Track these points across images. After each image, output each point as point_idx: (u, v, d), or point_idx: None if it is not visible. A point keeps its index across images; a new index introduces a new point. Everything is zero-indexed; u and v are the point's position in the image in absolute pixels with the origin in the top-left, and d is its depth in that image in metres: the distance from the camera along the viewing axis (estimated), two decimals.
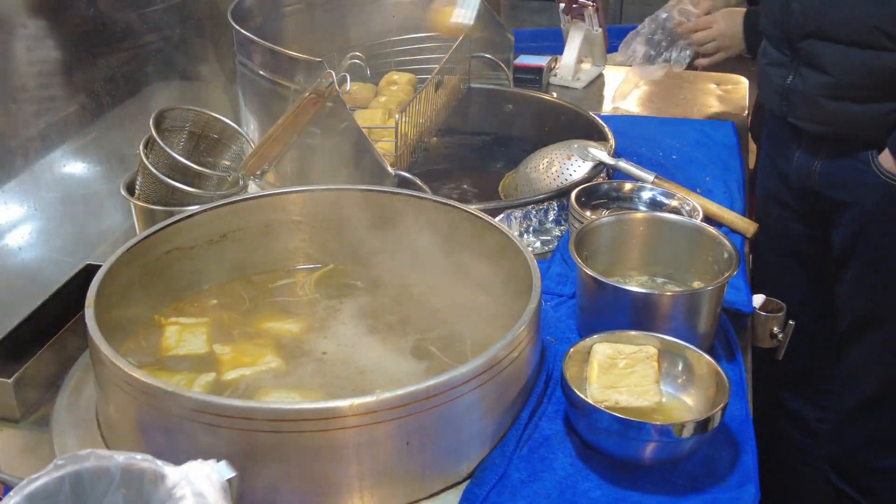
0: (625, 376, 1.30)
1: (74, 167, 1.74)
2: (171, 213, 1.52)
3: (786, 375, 2.26)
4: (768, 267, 2.31)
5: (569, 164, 1.90)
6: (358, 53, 1.59)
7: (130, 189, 1.67)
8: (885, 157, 1.81)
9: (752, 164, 2.91)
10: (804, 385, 2.34)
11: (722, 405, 1.20)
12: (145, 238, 1.40)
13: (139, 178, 1.65)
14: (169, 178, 1.60)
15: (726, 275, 1.41)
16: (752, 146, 2.97)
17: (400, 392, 1.09)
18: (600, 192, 1.80)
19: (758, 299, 1.58)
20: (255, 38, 1.76)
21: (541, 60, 2.51)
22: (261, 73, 1.78)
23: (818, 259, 2.09)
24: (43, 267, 1.65)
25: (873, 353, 2.05)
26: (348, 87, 1.53)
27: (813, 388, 2.31)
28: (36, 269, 1.64)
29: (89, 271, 1.51)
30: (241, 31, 1.81)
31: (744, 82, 2.57)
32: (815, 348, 2.20)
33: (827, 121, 1.87)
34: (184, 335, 1.41)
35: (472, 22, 2.24)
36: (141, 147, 1.62)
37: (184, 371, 1.34)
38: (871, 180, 1.84)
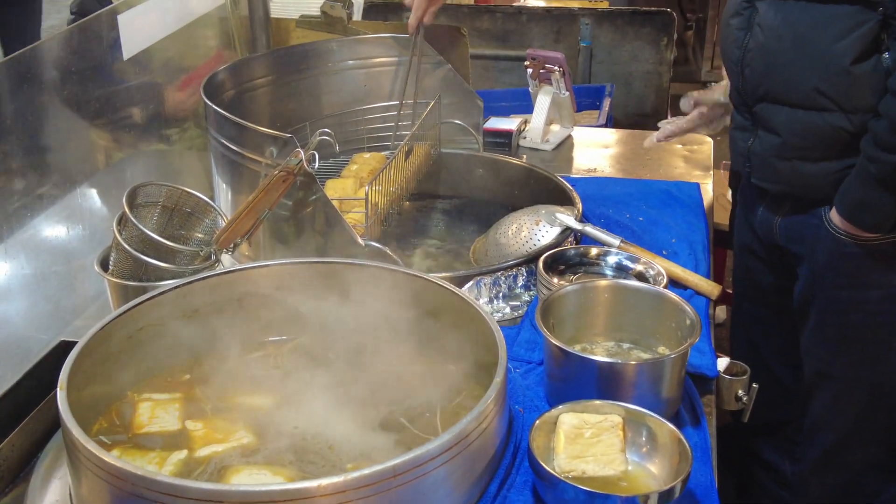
0: (591, 446, 1.33)
1: (49, 243, 1.76)
2: (145, 289, 1.55)
3: (761, 426, 2.30)
4: (743, 317, 2.36)
5: (537, 230, 1.94)
6: (327, 130, 1.63)
7: (104, 264, 1.69)
8: (834, 214, 1.87)
9: (727, 219, 2.97)
10: (779, 436, 2.37)
11: (683, 476, 1.22)
12: (118, 317, 1.42)
13: (113, 254, 1.68)
14: (142, 253, 1.63)
15: (688, 342, 1.45)
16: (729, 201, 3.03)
17: (367, 471, 1.11)
18: (567, 257, 1.84)
19: (722, 363, 1.61)
20: (226, 113, 1.79)
21: (510, 124, 2.56)
22: (232, 147, 1.81)
23: (788, 309, 2.14)
24: (17, 344, 1.67)
25: (828, 407, 2.10)
26: (316, 165, 1.56)
27: (788, 439, 2.35)
28: (10, 347, 1.65)
29: (63, 348, 1.53)
30: (212, 105, 1.84)
31: (708, 142, 2.63)
32: (789, 398, 2.24)
33: (781, 180, 1.94)
34: (156, 412, 1.43)
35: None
36: (114, 223, 1.65)
37: (156, 449, 1.35)
38: (823, 235, 1.91)
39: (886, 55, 1.74)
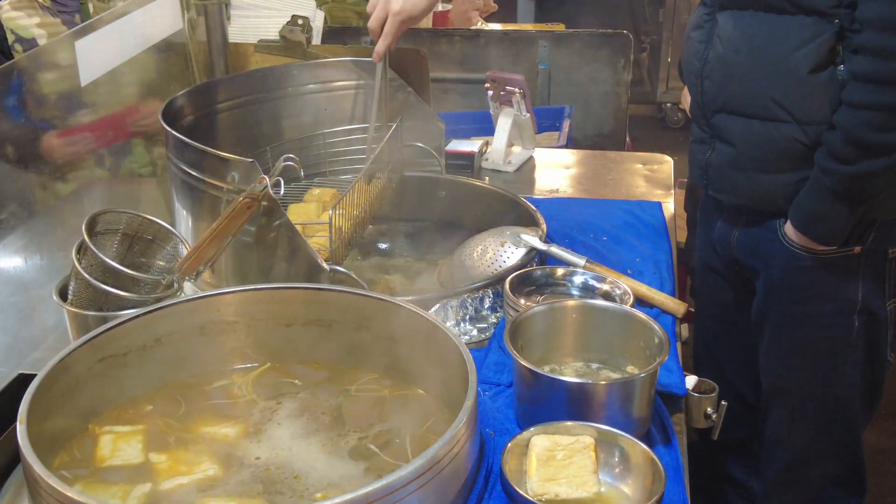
0: (563, 468, 1.32)
1: (5, 273, 1.72)
2: (105, 319, 1.51)
3: (728, 443, 2.31)
4: (706, 334, 2.37)
5: (502, 251, 1.93)
6: (292, 156, 1.61)
7: (63, 294, 1.65)
8: (788, 227, 1.89)
9: (682, 239, 3.00)
10: (745, 452, 2.38)
11: (657, 496, 1.22)
12: (77, 348, 1.39)
13: (72, 283, 1.64)
14: (102, 282, 1.60)
15: (657, 361, 1.44)
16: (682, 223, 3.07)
17: (338, 500, 1.09)
18: (533, 278, 1.83)
19: (690, 381, 1.61)
20: (186, 139, 1.77)
21: (472, 146, 2.56)
22: (192, 173, 1.79)
23: (748, 325, 2.16)
24: None
25: (785, 422, 2.11)
26: (282, 192, 1.55)
27: (754, 457, 2.35)
28: None
29: (22, 381, 1.49)
30: (172, 132, 1.82)
31: (669, 161, 2.65)
32: (753, 414, 2.25)
33: (737, 192, 1.96)
34: (119, 444, 1.39)
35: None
36: (73, 252, 1.61)
37: (119, 482, 1.32)
38: (778, 248, 1.93)
39: (842, 67, 1.76)
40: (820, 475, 2.15)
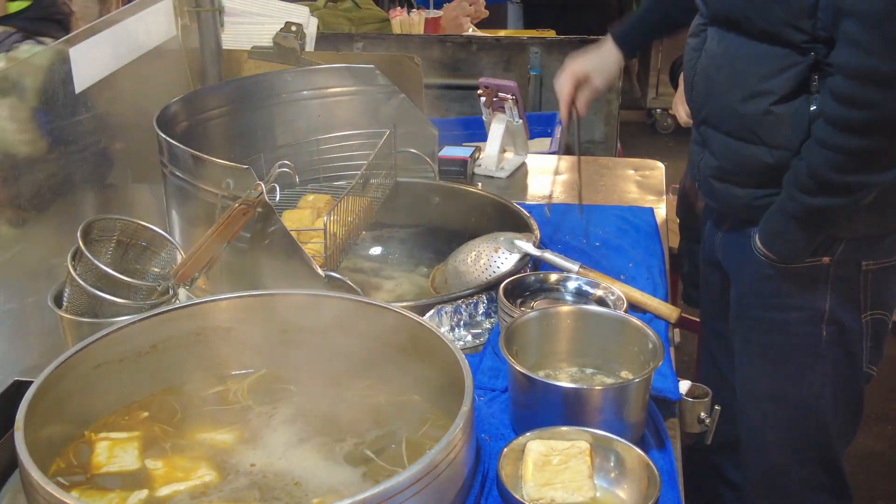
0: (559, 473, 1.32)
1: (0, 280, 1.72)
2: (100, 325, 1.52)
3: (723, 443, 2.31)
4: (707, 333, 2.38)
5: (496, 257, 1.94)
6: (287, 162, 1.62)
7: (58, 300, 1.65)
8: (758, 238, 1.91)
9: (675, 244, 3.01)
10: (738, 452, 2.38)
11: (652, 501, 1.23)
12: (73, 354, 1.39)
13: (67, 290, 1.64)
14: (97, 289, 1.60)
15: (652, 366, 1.45)
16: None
17: None
18: (527, 284, 1.84)
19: (684, 385, 1.62)
20: (181, 145, 1.78)
21: (464, 152, 2.56)
22: (187, 179, 1.79)
23: None
24: None
25: (759, 428, 2.12)
26: (277, 198, 1.55)
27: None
28: None
29: (17, 387, 1.49)
30: (167, 138, 1.82)
31: (660, 167, 2.66)
32: None
33: (717, 199, 1.99)
34: (115, 451, 1.39)
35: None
36: (68, 259, 1.62)
37: (116, 489, 1.32)
38: (750, 255, 1.94)
39: (816, 97, 1.76)
40: (799, 480, 2.16)
